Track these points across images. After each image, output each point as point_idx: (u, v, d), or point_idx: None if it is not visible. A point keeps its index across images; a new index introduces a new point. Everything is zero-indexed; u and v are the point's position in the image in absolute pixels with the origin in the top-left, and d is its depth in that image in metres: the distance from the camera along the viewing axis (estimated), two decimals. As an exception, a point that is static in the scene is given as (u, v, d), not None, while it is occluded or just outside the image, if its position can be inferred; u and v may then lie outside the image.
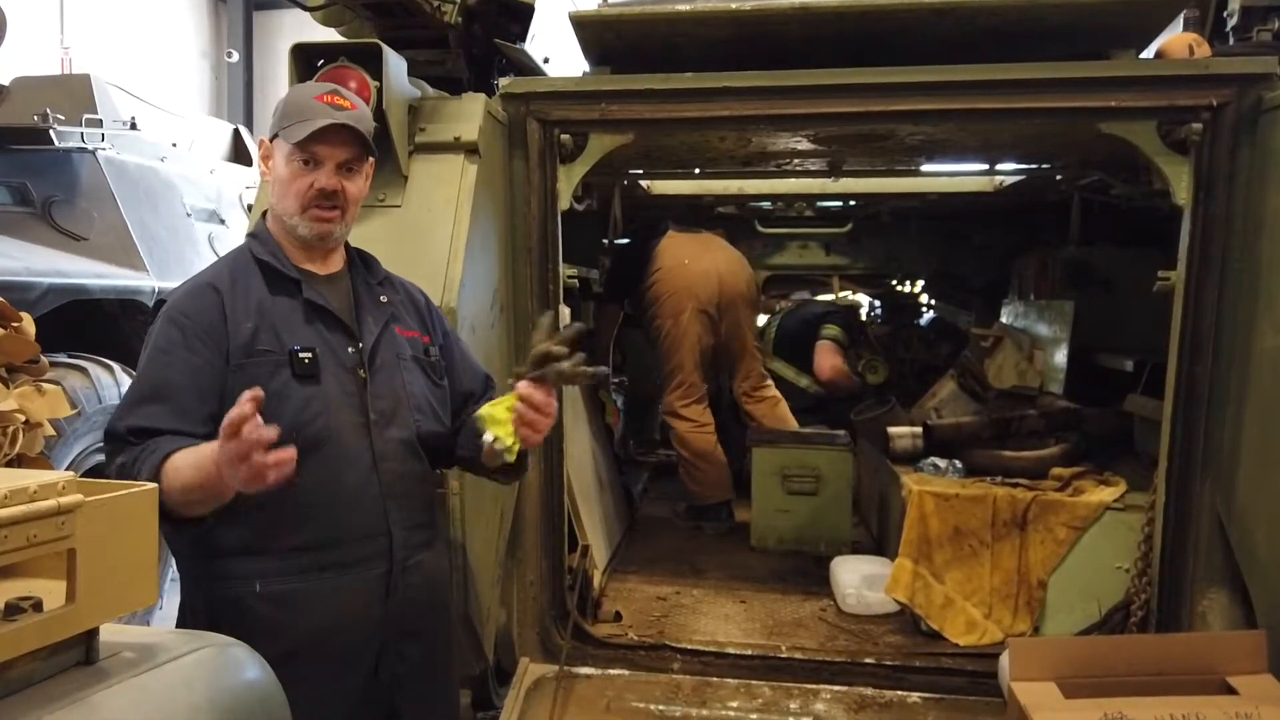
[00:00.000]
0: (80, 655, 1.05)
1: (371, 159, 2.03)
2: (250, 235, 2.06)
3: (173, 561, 2.91)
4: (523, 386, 1.83)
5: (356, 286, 2.04)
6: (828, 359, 5.10)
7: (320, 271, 2.00)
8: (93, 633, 1.05)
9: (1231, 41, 2.96)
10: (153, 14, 13.63)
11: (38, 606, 0.98)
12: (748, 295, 4.71)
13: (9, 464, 1.75)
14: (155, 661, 1.06)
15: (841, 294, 6.19)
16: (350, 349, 1.95)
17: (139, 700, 1.01)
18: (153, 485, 1.11)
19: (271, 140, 1.97)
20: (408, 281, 2.21)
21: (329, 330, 1.94)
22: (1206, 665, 2.33)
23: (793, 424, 4.74)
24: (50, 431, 1.87)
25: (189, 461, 1.68)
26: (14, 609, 0.97)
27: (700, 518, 4.63)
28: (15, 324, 1.85)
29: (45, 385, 1.87)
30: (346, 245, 2.09)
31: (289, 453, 1.58)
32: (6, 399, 1.68)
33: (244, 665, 1.16)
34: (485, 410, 1.86)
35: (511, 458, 1.86)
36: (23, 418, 1.71)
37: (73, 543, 0.98)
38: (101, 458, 4.46)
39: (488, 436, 1.83)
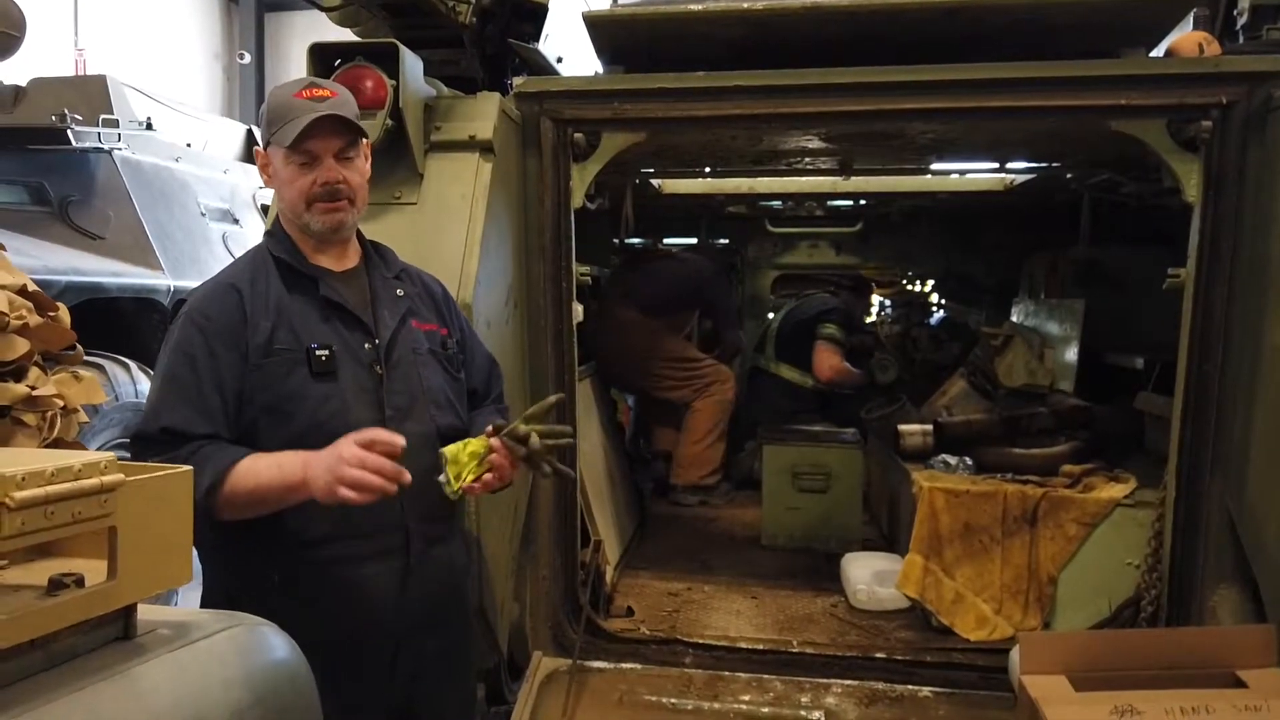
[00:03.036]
0: (119, 630, 1.08)
1: (366, 140, 2.03)
2: (267, 233, 2.08)
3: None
4: (496, 449, 1.89)
5: (373, 281, 2.05)
6: (826, 360, 5.12)
7: (336, 267, 2.01)
8: (131, 609, 1.08)
9: (1241, 40, 2.98)
10: (165, 16, 13.73)
11: (79, 582, 1.02)
12: (650, 350, 4.88)
13: (47, 448, 1.79)
14: (190, 638, 1.10)
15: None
16: (367, 345, 1.96)
17: (175, 675, 1.04)
18: (188, 468, 1.14)
19: (266, 149, 1.98)
20: (425, 273, 2.22)
21: (346, 327, 1.95)
22: (1216, 659, 2.34)
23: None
24: (85, 418, 1.91)
25: (269, 462, 1.79)
26: (57, 584, 1.00)
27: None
28: (52, 313, 1.89)
29: (81, 372, 1.91)
30: (362, 239, 2.11)
31: (403, 474, 1.73)
32: (46, 384, 1.72)
33: (274, 644, 1.19)
34: (451, 450, 1.89)
35: (453, 498, 1.92)
36: (61, 403, 1.75)
37: (114, 520, 1.01)
38: (120, 455, 4.52)
39: (440, 477, 1.89)
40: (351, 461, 1.71)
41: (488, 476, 1.89)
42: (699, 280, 5.08)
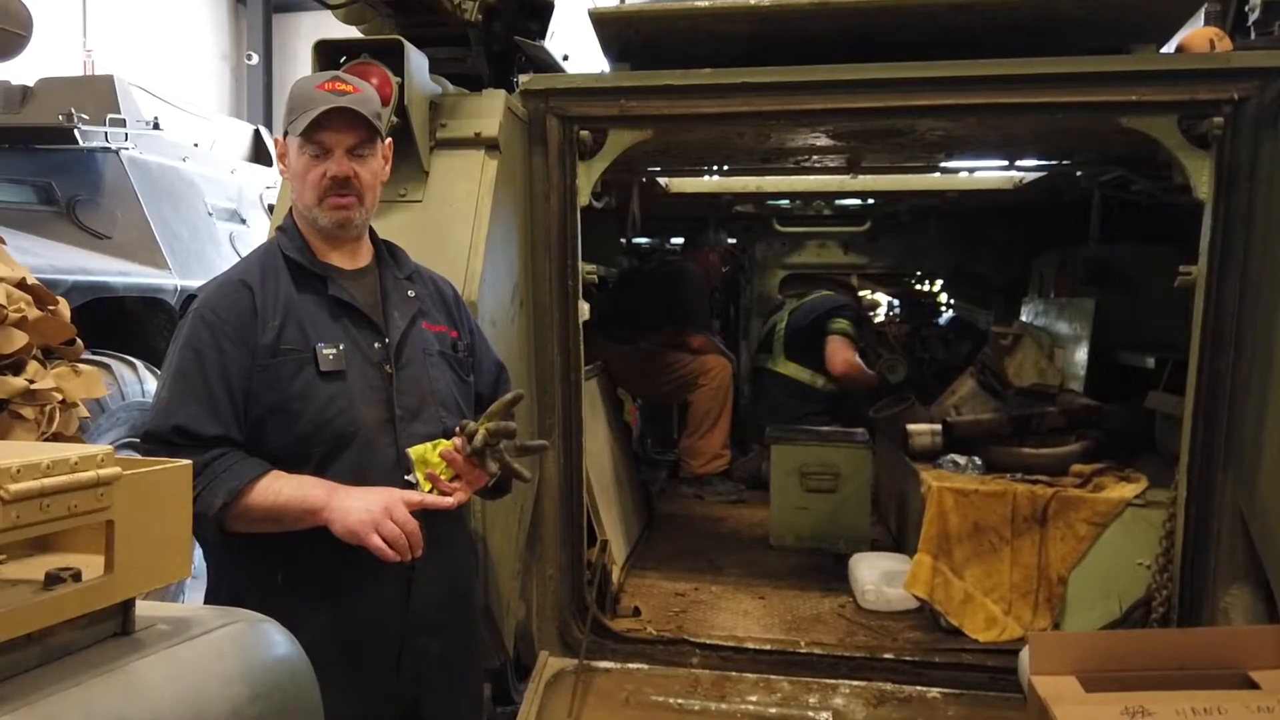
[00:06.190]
0: (117, 626, 1.07)
1: (387, 141, 2.03)
2: (279, 229, 2.07)
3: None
4: (458, 448, 1.90)
5: (384, 281, 2.04)
6: (840, 353, 5.08)
7: (347, 266, 2.01)
8: (129, 604, 1.07)
9: (1253, 36, 2.96)
10: (173, 16, 13.76)
11: (76, 577, 1.01)
12: (639, 370, 5.05)
13: (45, 442, 1.79)
14: (189, 634, 1.09)
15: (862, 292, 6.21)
16: (376, 344, 1.95)
17: (173, 670, 1.03)
18: (187, 462, 1.13)
19: (284, 138, 1.98)
20: (437, 275, 2.21)
21: (355, 326, 1.95)
22: (1228, 660, 2.32)
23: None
24: (84, 413, 1.90)
25: (290, 483, 1.81)
26: (54, 578, 0.99)
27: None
28: (52, 307, 1.88)
29: (81, 366, 1.89)
30: (375, 238, 2.10)
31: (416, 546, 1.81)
32: (44, 378, 1.71)
33: (274, 641, 1.18)
34: (418, 451, 1.90)
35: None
36: (60, 397, 1.74)
37: (111, 514, 1.00)
38: (128, 455, 4.52)
39: (410, 477, 1.90)
40: (399, 520, 1.77)
41: (456, 482, 1.91)
42: (664, 294, 5.10)
